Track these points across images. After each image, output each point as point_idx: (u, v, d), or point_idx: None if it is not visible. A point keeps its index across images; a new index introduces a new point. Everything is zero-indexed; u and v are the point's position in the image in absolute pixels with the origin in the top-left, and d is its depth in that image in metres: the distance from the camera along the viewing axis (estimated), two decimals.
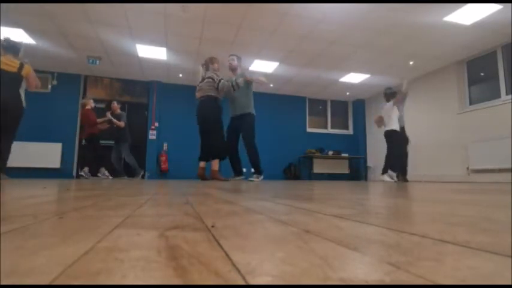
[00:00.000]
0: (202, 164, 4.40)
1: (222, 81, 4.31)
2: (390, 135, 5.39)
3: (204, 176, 4.39)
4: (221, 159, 4.41)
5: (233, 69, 4.61)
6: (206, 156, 4.40)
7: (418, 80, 7.29)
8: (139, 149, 7.62)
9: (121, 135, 6.20)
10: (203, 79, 4.40)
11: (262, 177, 4.48)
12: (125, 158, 6.24)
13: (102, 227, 0.47)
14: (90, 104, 6.11)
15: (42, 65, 6.91)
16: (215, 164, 4.34)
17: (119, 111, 6.32)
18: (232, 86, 4.31)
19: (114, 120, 6.11)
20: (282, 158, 8.68)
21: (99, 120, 6.03)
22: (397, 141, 5.37)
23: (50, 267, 0.25)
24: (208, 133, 4.34)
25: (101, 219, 0.55)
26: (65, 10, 4.68)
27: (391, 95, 5.55)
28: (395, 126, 5.35)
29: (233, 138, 4.54)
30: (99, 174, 6.04)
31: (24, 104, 4.05)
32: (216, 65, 4.48)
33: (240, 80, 4.34)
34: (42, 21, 5.02)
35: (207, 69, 4.48)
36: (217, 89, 4.29)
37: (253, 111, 4.48)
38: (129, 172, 6.42)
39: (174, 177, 7.61)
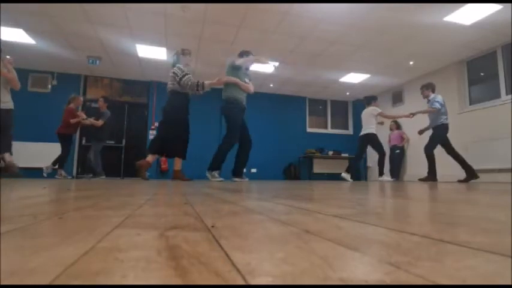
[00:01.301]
0: (150, 157, 4.12)
1: (187, 76, 4.06)
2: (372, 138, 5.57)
3: (144, 173, 4.10)
4: (183, 158, 4.21)
5: (247, 69, 4.48)
6: (169, 151, 4.15)
7: (418, 80, 7.28)
8: (139, 149, 7.62)
9: (96, 134, 5.99)
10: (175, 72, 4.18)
11: (218, 177, 4.12)
12: (90, 156, 5.98)
13: (102, 227, 0.47)
14: (76, 102, 5.96)
15: (42, 65, 6.92)
16: (177, 163, 4.17)
17: (104, 109, 6.08)
18: (197, 85, 4.09)
19: (90, 120, 5.91)
20: (282, 158, 8.68)
21: (72, 121, 5.80)
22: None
23: (50, 267, 0.25)
24: (174, 129, 4.10)
25: (100, 219, 0.55)
26: (65, 10, 4.68)
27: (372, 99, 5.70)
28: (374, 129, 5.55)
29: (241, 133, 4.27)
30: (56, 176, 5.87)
31: (10, 105, 4.02)
32: (186, 57, 4.27)
33: (207, 83, 4.14)
34: (42, 21, 5.02)
35: (177, 60, 4.27)
36: (179, 84, 4.09)
37: (234, 97, 4.17)
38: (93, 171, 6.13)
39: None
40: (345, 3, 4.41)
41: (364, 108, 5.44)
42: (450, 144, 4.92)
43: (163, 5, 4.55)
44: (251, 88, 4.34)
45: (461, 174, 4.93)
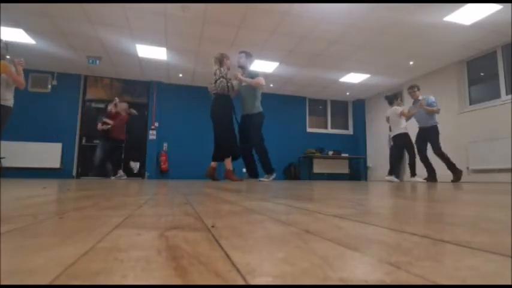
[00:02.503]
0: (213, 163, 4.33)
1: (221, 79, 4.24)
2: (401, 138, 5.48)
3: (214, 176, 4.31)
4: (233, 158, 4.30)
5: (241, 67, 4.52)
6: (217, 155, 4.32)
7: (418, 80, 7.28)
8: (139, 149, 7.63)
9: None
10: (214, 75, 4.35)
11: (273, 176, 4.39)
12: (116, 157, 6.18)
13: (102, 227, 0.47)
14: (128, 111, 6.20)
15: (42, 65, 6.92)
16: (228, 163, 4.25)
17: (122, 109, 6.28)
18: (227, 86, 4.26)
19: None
20: (282, 158, 8.68)
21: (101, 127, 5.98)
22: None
23: (50, 267, 0.25)
24: (216, 132, 4.27)
25: (101, 219, 0.55)
26: (65, 10, 4.68)
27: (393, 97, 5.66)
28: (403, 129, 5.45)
29: (244, 138, 4.44)
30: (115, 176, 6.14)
31: (9, 103, 4.03)
32: (227, 62, 4.38)
33: (235, 82, 4.29)
34: (42, 21, 5.02)
35: (219, 65, 4.36)
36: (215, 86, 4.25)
37: (259, 110, 4.41)
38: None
39: (174, 177, 7.62)
40: (345, 3, 4.41)
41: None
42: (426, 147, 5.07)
43: (163, 5, 4.55)
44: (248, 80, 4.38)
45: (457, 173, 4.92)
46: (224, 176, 4.31)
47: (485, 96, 6.06)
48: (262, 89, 4.44)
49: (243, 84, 4.33)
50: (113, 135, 5.98)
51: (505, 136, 5.36)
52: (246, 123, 4.41)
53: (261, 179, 4.36)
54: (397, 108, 5.50)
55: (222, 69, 4.30)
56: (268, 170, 4.39)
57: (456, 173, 4.87)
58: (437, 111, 4.99)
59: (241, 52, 4.55)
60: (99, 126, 5.98)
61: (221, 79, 4.24)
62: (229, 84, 4.27)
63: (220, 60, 4.36)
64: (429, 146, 5.06)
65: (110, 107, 6.12)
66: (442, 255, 0.31)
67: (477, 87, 6.34)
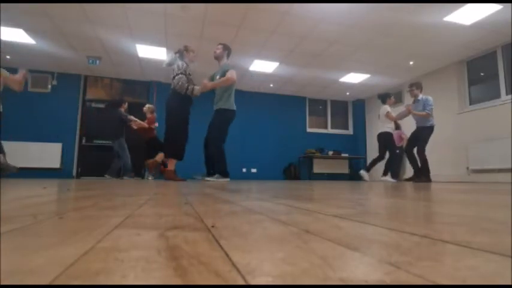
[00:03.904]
0: (158, 156, 4.20)
1: (180, 75, 3.95)
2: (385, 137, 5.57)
3: (153, 170, 4.15)
4: (178, 159, 4.07)
5: (217, 58, 4.25)
6: (163, 150, 4.16)
7: (418, 80, 7.28)
8: (139, 149, 7.62)
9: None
10: (173, 70, 4.10)
11: (225, 179, 3.97)
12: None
13: (102, 227, 0.47)
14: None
15: (42, 65, 6.92)
16: (171, 163, 4.08)
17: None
18: (187, 88, 3.98)
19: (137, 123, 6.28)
20: (282, 158, 8.68)
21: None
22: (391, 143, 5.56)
23: (50, 267, 0.25)
24: (167, 128, 4.05)
25: (101, 220, 0.55)
26: (65, 10, 4.68)
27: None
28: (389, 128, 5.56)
29: (208, 134, 4.22)
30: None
31: None
32: (188, 54, 4.17)
33: (197, 88, 4.04)
34: (42, 21, 5.02)
35: (180, 58, 4.16)
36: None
37: (229, 106, 4.08)
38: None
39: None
40: (345, 3, 4.41)
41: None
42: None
43: (163, 5, 4.55)
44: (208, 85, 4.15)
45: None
46: (164, 176, 4.13)
47: (485, 96, 6.06)
48: (234, 84, 4.08)
49: (196, 93, 4.07)
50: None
51: (505, 136, 5.36)
52: (213, 119, 4.19)
53: (208, 178, 4.01)
54: (385, 108, 5.58)
55: (181, 63, 4.03)
56: (221, 171, 3.97)
57: (423, 176, 4.92)
58: (426, 116, 4.97)
59: (219, 44, 4.32)
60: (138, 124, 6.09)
61: (180, 75, 3.95)
62: (189, 86, 4.01)
63: (181, 53, 4.15)
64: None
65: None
66: (442, 255, 0.31)
67: (477, 87, 6.34)
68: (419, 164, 4.96)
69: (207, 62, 6.70)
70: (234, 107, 4.17)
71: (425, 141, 4.97)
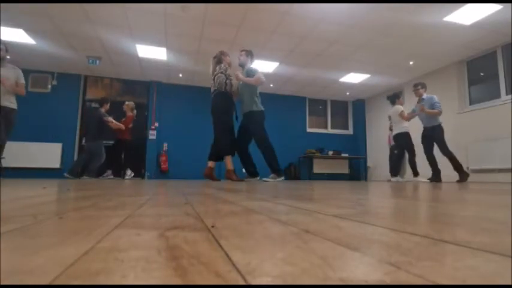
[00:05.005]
0: (210, 163, 4.23)
1: (219, 75, 4.14)
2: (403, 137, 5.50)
3: (213, 176, 4.21)
4: (232, 155, 4.18)
5: (241, 65, 4.46)
6: (213, 154, 4.22)
7: (418, 80, 7.28)
8: (139, 149, 7.63)
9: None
10: (213, 73, 4.28)
11: (281, 177, 4.17)
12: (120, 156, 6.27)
13: (102, 227, 0.47)
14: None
15: (42, 65, 6.92)
16: (228, 162, 4.15)
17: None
18: (226, 83, 4.16)
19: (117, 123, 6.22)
20: (282, 158, 8.62)
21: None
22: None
23: (50, 267, 0.25)
24: (215, 129, 4.21)
25: (100, 220, 0.55)
26: (65, 10, 4.68)
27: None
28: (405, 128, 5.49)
29: (242, 137, 4.36)
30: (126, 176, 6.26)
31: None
32: (225, 58, 4.33)
33: (234, 82, 4.24)
34: (42, 21, 5.02)
35: (218, 62, 4.31)
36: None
37: (258, 108, 4.28)
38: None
39: (174, 177, 7.62)
40: (345, 3, 4.41)
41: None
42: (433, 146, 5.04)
43: (163, 5, 4.55)
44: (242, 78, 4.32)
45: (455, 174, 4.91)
46: (225, 175, 4.24)
47: (485, 96, 6.06)
48: (262, 85, 4.31)
49: (241, 83, 4.25)
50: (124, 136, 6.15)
51: (505, 136, 5.36)
52: (245, 122, 4.34)
53: (265, 178, 4.18)
54: (398, 108, 5.53)
55: (221, 65, 4.23)
56: (275, 170, 4.17)
57: (462, 174, 4.83)
58: (438, 113, 4.94)
59: (242, 50, 4.51)
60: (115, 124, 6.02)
61: (219, 74, 4.14)
62: (227, 81, 4.17)
63: (219, 58, 4.31)
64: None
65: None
66: (442, 255, 0.31)
67: (477, 87, 6.34)
68: (451, 164, 4.83)
69: (207, 62, 6.71)
70: (262, 108, 4.38)
71: (444, 141, 4.90)
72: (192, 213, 0.65)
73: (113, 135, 6.16)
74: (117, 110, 6.61)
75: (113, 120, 5.95)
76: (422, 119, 5.17)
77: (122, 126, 6.02)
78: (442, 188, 2.32)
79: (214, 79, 4.19)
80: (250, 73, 4.25)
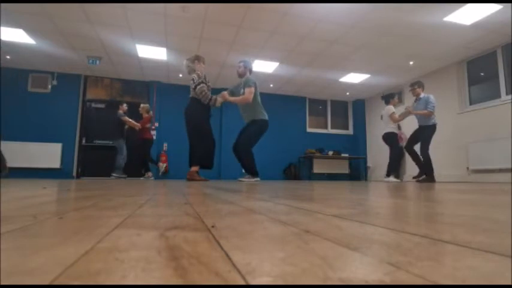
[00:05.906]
0: (193, 168, 4.17)
1: (202, 85, 4.05)
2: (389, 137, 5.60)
3: (198, 177, 4.12)
4: (202, 167, 4.11)
5: (240, 75, 4.46)
6: (191, 160, 4.17)
7: (418, 80, 7.29)
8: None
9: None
10: (192, 80, 4.17)
11: (256, 179, 4.13)
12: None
13: (102, 227, 0.47)
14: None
15: (42, 65, 6.92)
16: (194, 167, 4.11)
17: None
18: (210, 99, 4.12)
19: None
20: (282, 158, 8.68)
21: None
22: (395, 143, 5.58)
23: (50, 267, 0.25)
24: (190, 138, 4.14)
25: (101, 220, 0.55)
26: (65, 10, 4.68)
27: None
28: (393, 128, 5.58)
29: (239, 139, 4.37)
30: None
31: None
32: (200, 65, 4.27)
33: (219, 100, 4.18)
34: (42, 21, 5.01)
35: (191, 69, 4.28)
36: (194, 90, 4.08)
37: (260, 117, 4.33)
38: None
39: (174, 177, 7.61)
40: (345, 3, 4.41)
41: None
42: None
43: (163, 5, 4.55)
44: (229, 99, 4.34)
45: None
46: (187, 176, 4.11)
47: (485, 96, 6.06)
48: (249, 101, 4.25)
49: (218, 105, 4.23)
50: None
51: (505, 136, 5.36)
52: (247, 125, 4.40)
53: (241, 178, 4.14)
54: (390, 108, 5.60)
55: (199, 73, 4.13)
56: (250, 171, 4.14)
57: (429, 177, 4.87)
58: (428, 114, 4.92)
59: (240, 62, 4.51)
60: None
61: (201, 85, 4.04)
62: (213, 96, 4.14)
63: (192, 65, 4.26)
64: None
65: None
66: (442, 255, 0.31)
67: (477, 87, 6.34)
68: (426, 165, 4.89)
69: (207, 63, 6.70)
70: (266, 117, 4.44)
71: (428, 141, 4.93)
72: (192, 213, 0.65)
73: (137, 135, 6.69)
74: (116, 110, 6.65)
75: (130, 119, 6.49)
76: (418, 118, 5.19)
77: (138, 125, 6.53)
78: (439, 188, 2.32)
79: (195, 88, 4.07)
80: (247, 84, 4.26)
